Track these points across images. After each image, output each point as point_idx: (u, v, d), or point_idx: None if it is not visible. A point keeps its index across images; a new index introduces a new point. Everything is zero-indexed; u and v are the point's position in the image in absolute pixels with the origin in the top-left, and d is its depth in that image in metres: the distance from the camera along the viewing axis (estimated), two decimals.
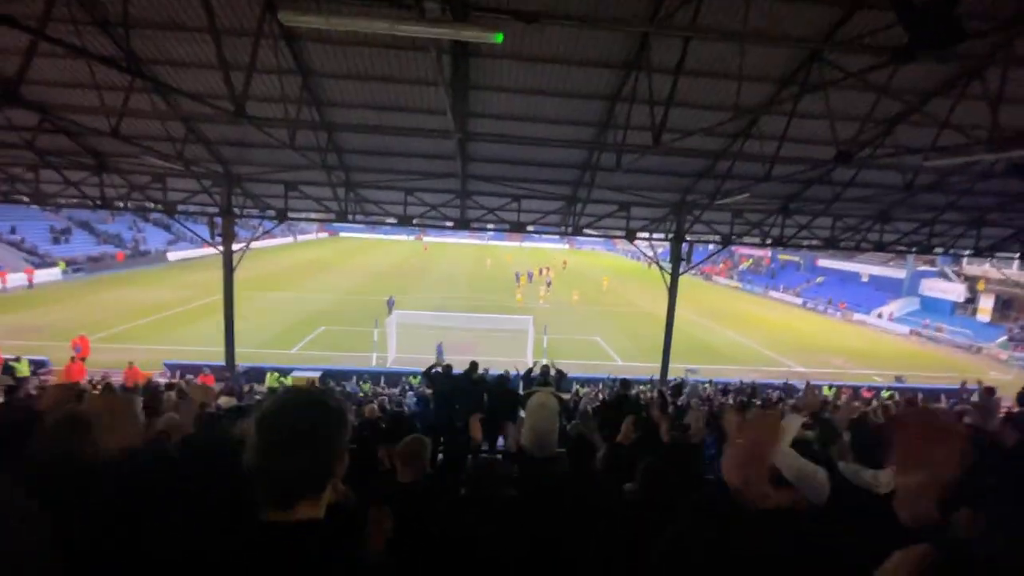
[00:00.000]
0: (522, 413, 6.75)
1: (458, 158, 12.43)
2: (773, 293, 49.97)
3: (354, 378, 16.19)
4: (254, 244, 18.49)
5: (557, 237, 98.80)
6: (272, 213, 14.84)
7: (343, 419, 1.39)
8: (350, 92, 10.51)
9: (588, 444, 3.50)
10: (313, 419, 1.39)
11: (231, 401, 7.82)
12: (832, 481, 1.66)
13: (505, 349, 20.77)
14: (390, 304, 25.02)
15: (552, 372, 7.31)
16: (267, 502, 1.27)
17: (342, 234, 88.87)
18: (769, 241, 16.83)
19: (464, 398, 7.42)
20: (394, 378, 17.09)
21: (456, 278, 45.62)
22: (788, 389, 16.28)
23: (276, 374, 15.88)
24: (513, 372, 12.15)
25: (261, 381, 15.29)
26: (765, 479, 1.54)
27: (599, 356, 23.19)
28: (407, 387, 15.12)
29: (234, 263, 14.76)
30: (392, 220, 15.25)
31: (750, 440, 1.58)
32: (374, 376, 16.90)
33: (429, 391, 9.05)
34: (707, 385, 16.91)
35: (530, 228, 16.74)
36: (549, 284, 41.34)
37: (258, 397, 9.15)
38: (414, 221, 15.44)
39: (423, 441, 3.29)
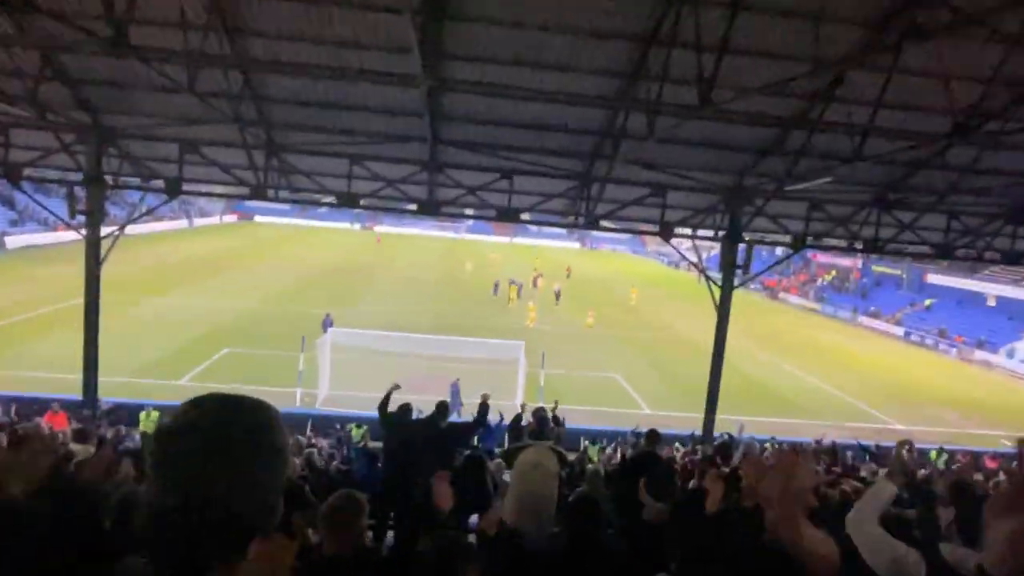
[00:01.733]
0: (506, 476, 6.74)
1: (426, 116, 12.53)
2: (864, 319, 50.81)
3: None
4: (131, 228, 18.38)
5: (563, 232, 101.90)
6: (160, 184, 14.84)
7: (285, 435, 1.37)
8: (278, 16, 10.59)
9: (596, 509, 3.52)
10: (252, 425, 1.33)
11: (87, 451, 7.70)
12: (930, 567, 1.70)
13: (485, 386, 20.84)
14: (326, 324, 24.96)
15: (550, 422, 7.35)
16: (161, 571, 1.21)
17: (259, 218, 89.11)
18: (859, 246, 17.13)
19: (425, 454, 7.41)
20: (325, 424, 17.03)
21: (420, 285, 45.88)
22: (880, 454, 16.46)
23: (155, 413, 15.72)
24: (495, 419, 12.18)
25: (133, 423, 15.11)
26: (799, 519, 1.65)
27: (618, 401, 23.30)
28: (344, 438, 15.03)
29: (102, 254, 14.66)
30: (331, 199, 15.32)
31: (780, 468, 1.71)
32: (298, 421, 16.79)
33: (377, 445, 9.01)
34: (768, 445, 17.05)
35: (525, 217, 16.88)
36: (558, 296, 41.63)
37: (130, 445, 9.01)
38: (362, 202, 15.49)
39: (355, 499, 3.29)
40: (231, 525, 1.27)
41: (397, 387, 8.37)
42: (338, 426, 16.19)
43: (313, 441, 13.57)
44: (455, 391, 19.42)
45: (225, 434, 1.32)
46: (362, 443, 14.20)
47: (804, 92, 11.59)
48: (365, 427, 15.83)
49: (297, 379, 20.02)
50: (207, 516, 1.26)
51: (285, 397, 19.81)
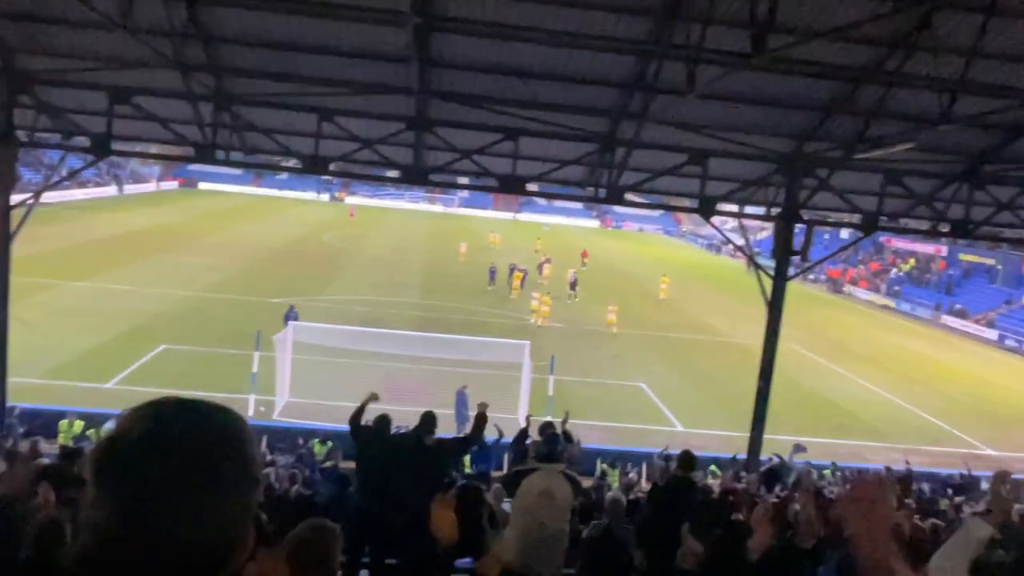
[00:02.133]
0: (507, 506, 6.74)
1: (413, 62, 12.48)
2: (948, 319, 50.89)
3: None
4: (49, 195, 18.39)
5: (580, 207, 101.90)
6: (84, 142, 14.80)
7: (257, 449, 1.37)
8: None
9: (617, 548, 3.54)
10: (220, 437, 1.32)
11: None
12: None
13: (483, 395, 20.95)
14: (288, 317, 25.01)
15: (561, 439, 7.38)
16: None
17: (205, 185, 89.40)
18: (944, 229, 17.07)
19: (407, 476, 7.44)
20: (284, 439, 17.14)
21: (402, 271, 46.00)
22: (969, 484, 16.52)
23: (78, 422, 15.78)
24: (492, 436, 12.24)
25: (50, 435, 15.20)
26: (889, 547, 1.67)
27: (644, 416, 23.40)
28: (307, 456, 15.12)
29: (12, 226, 14.68)
30: (294, 164, 15.28)
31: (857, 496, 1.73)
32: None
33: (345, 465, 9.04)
34: (828, 472, 17.12)
35: (533, 188, 16.80)
36: (574, 287, 41.57)
37: (45, 461, 9.07)
38: (332, 167, 15.46)
39: (326, 530, 3.33)
40: (194, 558, 1.25)
41: (374, 397, 8.39)
42: (301, 441, 16.30)
43: (269, 459, 13.64)
44: (462, 400, 19.51)
45: (189, 447, 1.29)
46: (331, 463, 14.30)
47: (881, 37, 11.51)
48: (330, 443, 15.92)
49: (251, 383, 20.10)
50: (165, 547, 1.23)
51: (235, 405, 19.76)
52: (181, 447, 1.28)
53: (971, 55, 10.41)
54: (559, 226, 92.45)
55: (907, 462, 17.00)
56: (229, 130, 14.95)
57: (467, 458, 14.29)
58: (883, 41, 11.62)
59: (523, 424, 19.72)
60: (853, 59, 12.00)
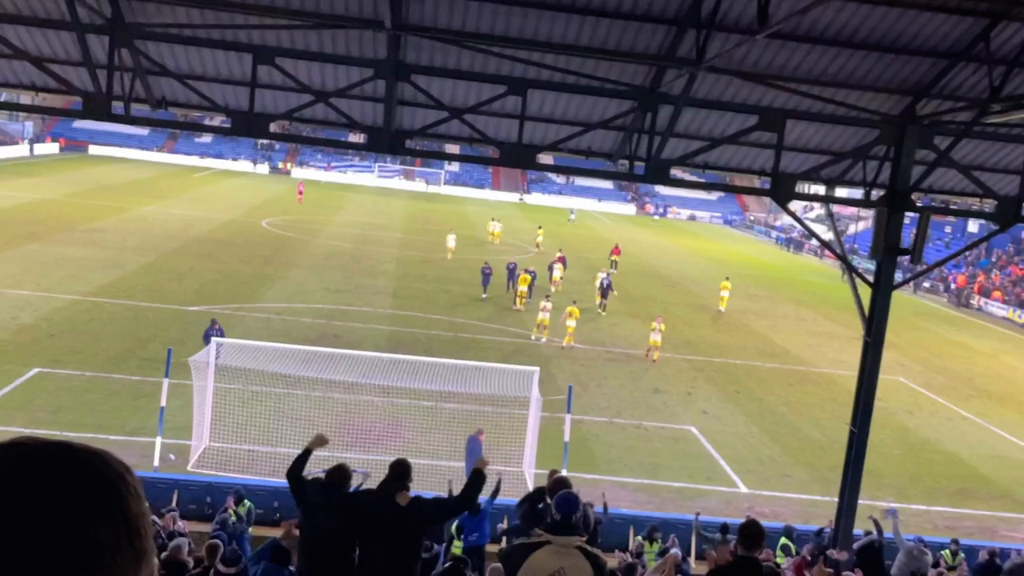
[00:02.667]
0: None
1: None
2: None
3: None
4: None
5: (610, 186, 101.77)
6: None
7: (144, 514, 1.37)
8: None
9: None
10: (86, 495, 1.33)
11: None
12: None
13: (469, 443, 20.90)
14: (210, 334, 24.94)
15: (580, 502, 7.37)
16: None
17: (96, 149, 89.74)
18: None
19: (375, 546, 7.46)
20: (201, 497, 17.06)
21: (367, 270, 46.13)
22: None
23: None
24: (483, 499, 12.21)
25: None
26: None
27: (694, 472, 23.37)
28: (236, 523, 15.15)
29: None
30: (220, 121, 15.27)
31: None
32: (158, 492, 16.96)
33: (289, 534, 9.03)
34: (947, 555, 17.08)
35: (546, 160, 16.66)
36: (605, 294, 41.41)
37: None
38: (272, 127, 15.45)
39: None
40: None
41: (321, 442, 8.40)
42: (231, 502, 16.30)
43: (179, 526, 13.62)
44: (475, 449, 19.57)
45: (27, 508, 1.28)
46: (245, 527, 14.26)
47: None
48: (248, 503, 15.97)
49: (157, 423, 20.11)
50: None
51: (134, 452, 19.69)
52: (24, 507, 1.28)
53: None
54: (583, 212, 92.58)
55: None
56: (130, 75, 14.95)
57: (455, 525, 14.30)
58: None
59: (528, 480, 19.81)
60: None
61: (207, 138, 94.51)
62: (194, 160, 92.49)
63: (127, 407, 22.35)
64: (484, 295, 41.58)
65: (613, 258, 54.05)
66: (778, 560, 14.93)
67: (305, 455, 8.12)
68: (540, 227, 63.20)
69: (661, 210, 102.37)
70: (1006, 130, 15.70)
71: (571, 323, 34.94)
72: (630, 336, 37.67)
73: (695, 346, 36.84)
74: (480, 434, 19.86)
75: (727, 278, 48.44)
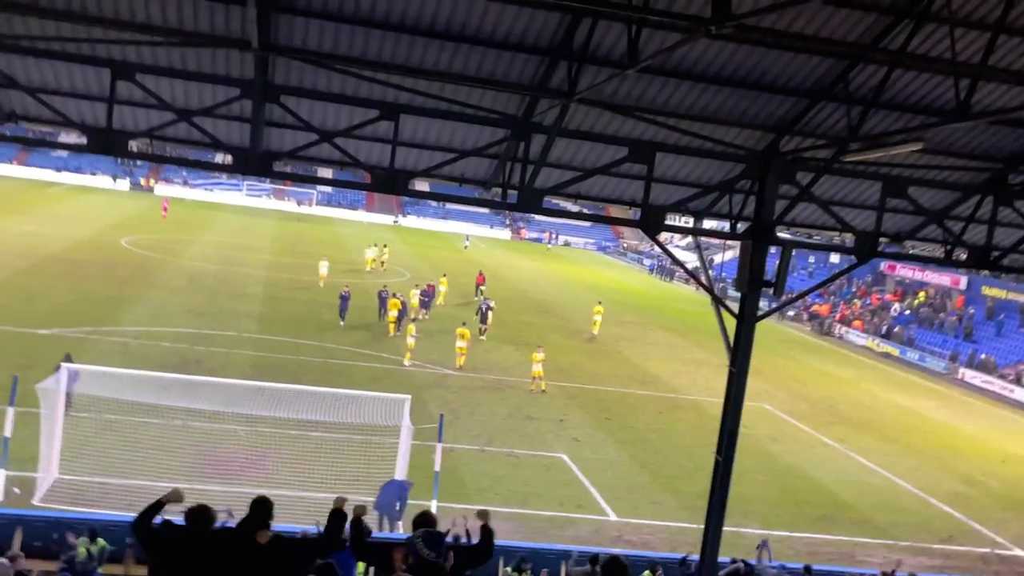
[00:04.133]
0: None
1: (251, 1, 12.34)
2: (968, 372, 53.69)
3: None
4: None
5: (486, 211, 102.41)
6: None
7: None
8: None
9: None
10: None
11: None
12: None
13: (340, 472, 20.60)
14: (63, 364, 23.85)
15: (444, 540, 7.35)
16: None
17: None
18: (963, 255, 17.92)
19: None
20: (47, 534, 16.44)
21: (236, 292, 45.36)
22: None
23: None
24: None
25: None
26: None
27: (564, 501, 23.56)
28: (80, 562, 14.60)
29: None
30: (76, 138, 14.79)
31: None
32: (0, 526, 16.22)
33: None
34: None
35: (421, 187, 16.74)
36: (484, 319, 41.66)
37: None
38: (132, 146, 14.99)
39: None
40: None
41: (176, 498, 8.07)
42: (73, 539, 15.71)
43: (23, 568, 13.04)
44: (394, 491, 19.27)
45: None
46: (96, 565, 13.82)
47: (882, 2, 12.14)
48: (101, 541, 15.46)
49: (0, 453, 19.25)
50: None
51: None
52: None
53: (997, 30, 11.00)
54: (455, 235, 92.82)
55: (899, 562, 17.63)
56: None
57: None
58: (884, 6, 12.26)
59: (396, 508, 19.61)
60: (847, 30, 12.52)
61: (64, 152, 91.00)
62: (49, 174, 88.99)
63: None
64: (342, 322, 40.91)
65: (479, 287, 53.85)
66: None
67: (156, 507, 7.81)
68: (385, 245, 62.92)
69: (536, 235, 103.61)
70: (863, 167, 16.33)
71: (462, 344, 35.76)
72: (503, 362, 37.90)
73: (568, 373, 37.32)
74: (406, 482, 19.82)
75: (599, 302, 49.42)
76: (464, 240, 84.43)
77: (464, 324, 36.87)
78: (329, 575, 7.69)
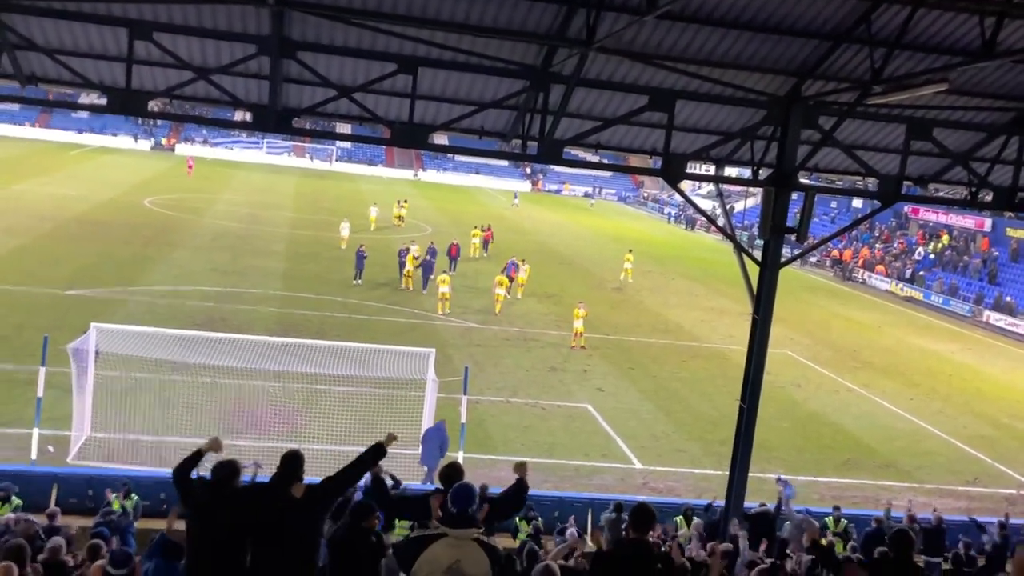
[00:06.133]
0: None
1: None
2: (992, 315, 53.33)
3: None
4: None
5: (505, 163, 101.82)
6: None
7: None
8: None
9: None
10: None
11: None
12: None
13: (367, 426, 20.77)
14: (92, 333, 24.01)
15: (476, 491, 7.39)
16: None
17: None
18: (987, 196, 17.77)
19: (269, 545, 7.37)
20: (83, 490, 16.83)
21: (259, 249, 45.48)
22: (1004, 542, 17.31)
23: None
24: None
25: None
26: None
27: (589, 450, 23.73)
28: (120, 519, 14.80)
29: None
30: (96, 99, 14.83)
31: None
32: (36, 485, 16.47)
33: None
34: (829, 522, 17.67)
35: (440, 141, 16.63)
36: (512, 276, 41.59)
37: None
38: (151, 106, 15.01)
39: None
40: None
41: (215, 446, 8.17)
42: (110, 495, 15.95)
43: (58, 523, 13.24)
44: (435, 435, 19.39)
45: None
46: (131, 521, 14.02)
47: None
48: (135, 497, 15.66)
49: (34, 414, 19.49)
50: None
51: (9, 445, 19.32)
52: None
53: None
54: (479, 189, 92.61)
55: (913, 516, 17.56)
56: None
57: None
58: None
59: (427, 464, 19.78)
60: None
61: (84, 113, 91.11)
62: (71, 136, 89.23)
63: (0, 398, 21.60)
64: (357, 281, 40.35)
65: (483, 238, 52.90)
66: (682, 540, 15.18)
67: (196, 457, 7.90)
68: (405, 201, 62.39)
69: (555, 186, 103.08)
70: (887, 110, 16.18)
71: (500, 291, 37.20)
72: (527, 315, 37.97)
73: (590, 324, 37.24)
74: (442, 422, 19.93)
75: (630, 251, 49.48)
76: (513, 198, 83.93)
77: (504, 272, 38.71)
78: (365, 513, 7.73)
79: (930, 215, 69.36)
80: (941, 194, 21.78)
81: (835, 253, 68.01)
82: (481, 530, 6.44)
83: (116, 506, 15.05)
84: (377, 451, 8.11)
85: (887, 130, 17.01)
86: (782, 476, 17.72)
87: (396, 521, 12.07)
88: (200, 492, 7.69)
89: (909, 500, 18.60)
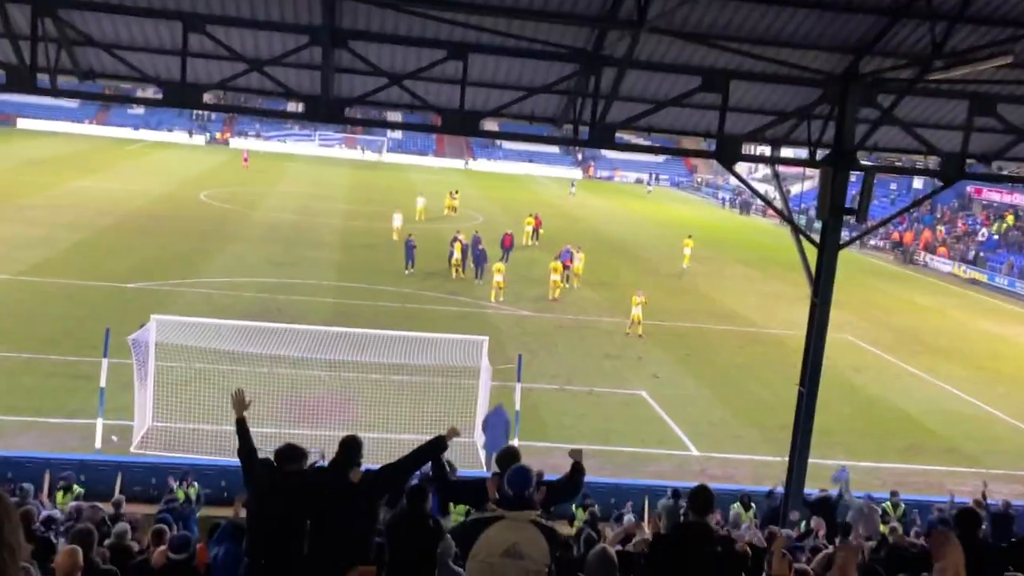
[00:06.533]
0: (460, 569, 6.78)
1: None
2: None
3: (46, 479, 16.02)
4: None
5: (555, 150, 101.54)
6: None
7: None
8: None
9: None
10: None
11: None
12: None
13: (422, 414, 20.89)
14: (153, 324, 24.41)
15: (532, 474, 7.38)
16: None
17: (24, 123, 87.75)
18: None
19: (327, 529, 7.42)
20: (146, 479, 17.03)
21: (313, 241, 45.84)
22: None
23: None
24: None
25: None
26: None
27: (644, 436, 23.64)
28: (183, 507, 15.02)
29: None
30: (152, 92, 15.06)
31: None
32: (101, 475, 16.84)
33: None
34: (888, 507, 17.46)
35: (491, 127, 16.60)
36: (565, 266, 41.03)
37: None
38: (206, 98, 15.20)
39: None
40: None
41: (241, 403, 8.33)
42: (173, 483, 16.22)
43: (124, 511, 13.48)
44: (498, 421, 19.48)
45: None
46: (193, 509, 14.18)
47: None
48: (196, 486, 15.92)
49: (98, 404, 19.87)
50: None
51: (75, 435, 19.60)
52: None
53: None
54: (529, 177, 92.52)
55: (983, 501, 17.19)
56: (56, 45, 14.61)
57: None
58: None
59: (481, 451, 19.86)
60: None
61: (140, 109, 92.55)
62: (127, 132, 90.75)
63: (65, 389, 22.06)
64: (408, 271, 40.26)
65: (535, 230, 52.02)
66: (744, 526, 15.09)
67: (241, 427, 8.07)
68: (456, 191, 62.16)
69: (606, 173, 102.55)
70: (948, 86, 15.88)
71: (555, 277, 37.58)
72: (581, 302, 37.88)
73: (646, 311, 37.13)
74: (500, 406, 19.99)
75: (690, 236, 49.26)
76: (570, 187, 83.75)
77: (558, 258, 38.83)
78: (421, 497, 7.77)
79: (994, 195, 68.03)
80: (1006, 172, 21.33)
81: (895, 236, 66.91)
82: (539, 512, 6.43)
83: (180, 495, 15.33)
84: (437, 444, 8.17)
85: (949, 106, 16.68)
86: (843, 465, 17.54)
87: (452, 506, 12.12)
88: (262, 475, 7.79)
89: (984, 483, 18.20)
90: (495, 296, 35.82)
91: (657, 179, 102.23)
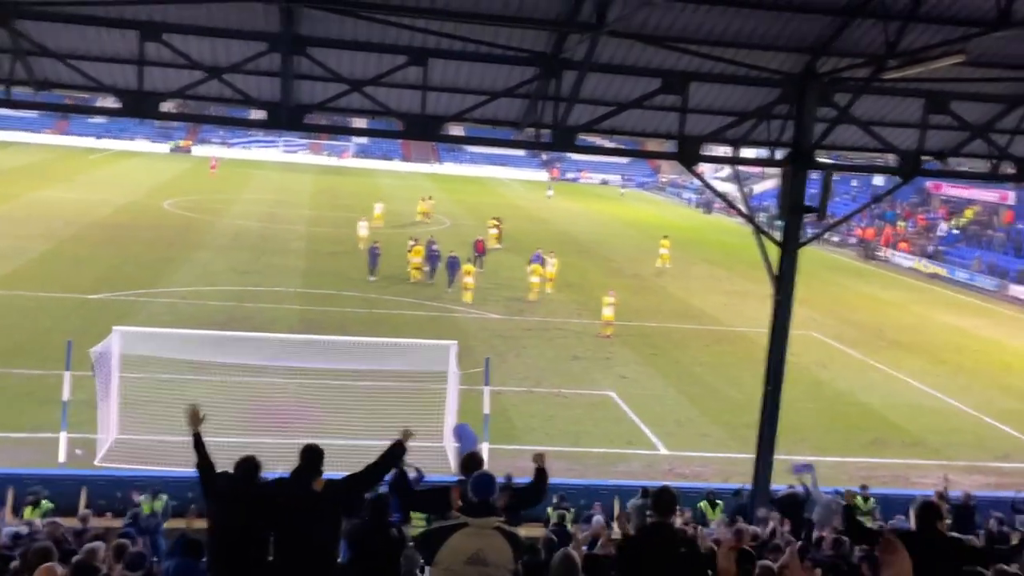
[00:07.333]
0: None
1: None
2: (1019, 290, 52.51)
3: (8, 495, 15.80)
4: None
5: (521, 153, 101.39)
6: None
7: None
8: None
9: None
10: None
11: None
12: None
13: (390, 420, 20.76)
14: (115, 336, 24.07)
15: (496, 480, 7.36)
16: None
17: None
18: (1009, 170, 17.57)
19: (291, 539, 7.39)
20: (111, 492, 16.93)
21: (279, 248, 45.56)
22: None
23: None
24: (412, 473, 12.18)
25: None
26: None
27: (613, 436, 23.71)
28: (149, 520, 14.88)
29: None
30: (110, 102, 14.89)
31: None
32: (65, 488, 16.48)
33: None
34: (860, 502, 17.56)
35: (455, 132, 16.52)
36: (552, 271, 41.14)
37: None
38: (164, 107, 15.06)
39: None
40: None
41: (195, 417, 8.27)
42: (138, 497, 16.06)
43: (91, 526, 13.32)
44: (468, 434, 19.43)
45: None
46: (159, 521, 14.10)
47: None
48: (164, 497, 15.77)
49: (61, 417, 19.65)
50: None
51: (38, 449, 19.40)
52: None
53: None
54: (493, 180, 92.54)
55: (943, 494, 17.26)
56: (10, 56, 14.46)
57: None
58: None
59: (451, 455, 19.79)
60: None
61: (101, 118, 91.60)
62: (89, 141, 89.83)
63: (27, 402, 21.80)
64: (371, 277, 39.72)
65: (495, 230, 51.00)
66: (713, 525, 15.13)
67: (197, 442, 8.01)
68: (429, 197, 62.14)
69: (571, 174, 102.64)
70: (903, 85, 16.02)
71: (534, 279, 37.93)
72: (548, 304, 37.90)
73: (615, 311, 37.23)
74: (466, 425, 19.79)
75: (666, 236, 49.57)
76: (547, 190, 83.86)
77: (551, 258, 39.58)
78: (383, 507, 7.75)
79: (952, 190, 68.75)
80: (962, 168, 21.58)
81: (858, 231, 67.52)
82: (502, 519, 6.42)
83: (146, 507, 15.14)
84: (396, 450, 8.16)
85: (904, 105, 16.86)
86: (804, 462, 17.56)
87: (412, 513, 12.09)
88: (222, 486, 7.74)
89: (945, 476, 18.40)
90: (464, 297, 35.87)
91: (624, 181, 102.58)
